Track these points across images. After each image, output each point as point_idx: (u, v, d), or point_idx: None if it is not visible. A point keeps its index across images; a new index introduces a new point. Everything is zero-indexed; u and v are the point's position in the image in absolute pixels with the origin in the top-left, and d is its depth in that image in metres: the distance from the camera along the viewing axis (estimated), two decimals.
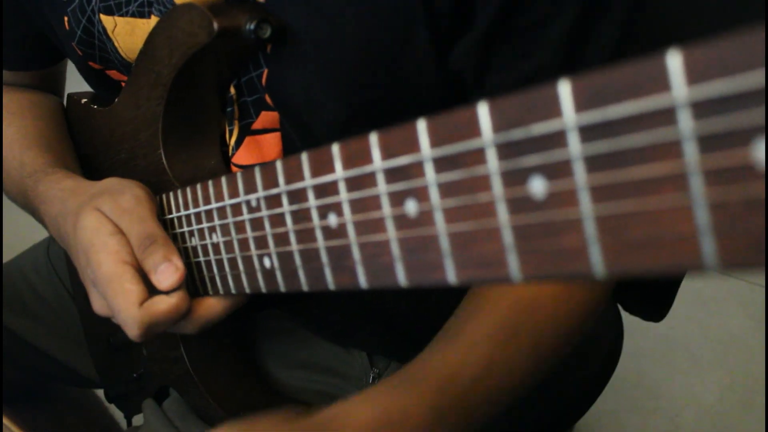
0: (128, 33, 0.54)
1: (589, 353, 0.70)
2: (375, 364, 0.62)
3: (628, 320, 0.74)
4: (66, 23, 0.56)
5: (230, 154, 0.54)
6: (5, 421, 0.69)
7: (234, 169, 0.54)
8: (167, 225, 0.48)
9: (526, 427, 0.66)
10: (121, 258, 0.44)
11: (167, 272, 0.43)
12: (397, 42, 0.46)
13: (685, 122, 0.18)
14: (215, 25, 0.43)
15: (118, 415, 0.77)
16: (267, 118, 0.51)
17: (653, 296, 0.78)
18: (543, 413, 0.67)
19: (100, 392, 0.85)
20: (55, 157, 0.61)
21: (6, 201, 0.64)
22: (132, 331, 0.44)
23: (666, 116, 0.18)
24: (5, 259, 0.83)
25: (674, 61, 0.18)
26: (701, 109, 0.18)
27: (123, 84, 0.59)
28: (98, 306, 0.49)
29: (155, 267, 0.44)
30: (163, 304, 0.44)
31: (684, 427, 1.27)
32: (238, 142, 0.53)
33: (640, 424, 1.29)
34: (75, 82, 0.73)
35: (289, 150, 0.52)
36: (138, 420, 0.69)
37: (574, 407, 0.70)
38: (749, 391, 1.30)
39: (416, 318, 0.60)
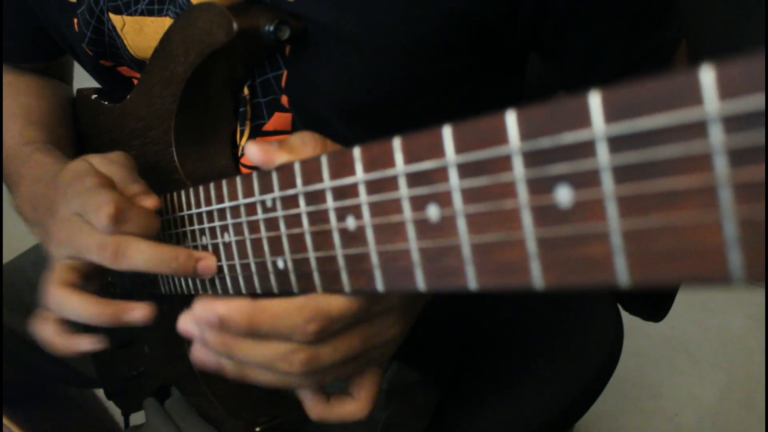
0: (137, 31, 0.54)
1: (588, 353, 0.70)
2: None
3: (628, 320, 0.74)
4: (75, 25, 0.56)
5: (239, 154, 0.54)
6: (5, 421, 0.69)
7: (243, 169, 0.54)
8: (177, 223, 0.48)
9: (525, 427, 0.66)
10: (105, 182, 0.46)
11: (148, 199, 0.46)
12: (435, 35, 0.46)
13: (716, 136, 0.18)
14: (235, 25, 0.43)
15: (118, 414, 0.77)
16: (279, 119, 0.52)
17: (653, 297, 0.78)
18: (543, 413, 0.67)
19: (100, 392, 0.85)
20: (55, 139, 0.62)
21: (6, 201, 0.64)
22: (106, 208, 0.43)
23: (697, 129, 0.19)
24: (5, 259, 0.83)
25: (707, 76, 0.18)
26: (733, 123, 0.18)
27: (134, 81, 0.59)
28: (61, 240, 0.47)
29: (136, 197, 0.46)
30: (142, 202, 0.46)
31: (684, 427, 1.28)
32: None
33: (640, 424, 1.30)
34: (82, 79, 0.73)
35: None
36: (136, 418, 0.69)
37: (573, 407, 0.70)
38: (749, 391, 1.30)
39: (420, 319, 0.60)
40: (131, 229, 0.44)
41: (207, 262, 0.44)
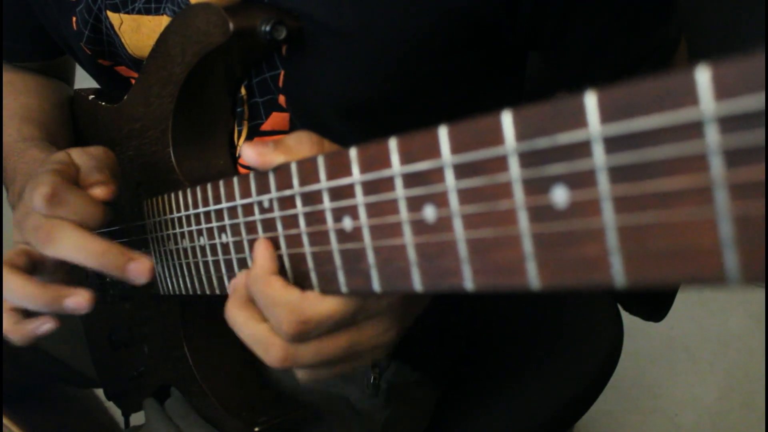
0: (134, 30, 0.54)
1: (588, 353, 0.70)
2: (376, 364, 0.62)
3: (628, 320, 0.74)
4: (74, 24, 0.56)
5: (237, 154, 0.54)
6: (5, 421, 0.69)
7: (241, 169, 0.54)
8: (174, 223, 0.48)
9: (525, 427, 0.66)
10: (61, 168, 0.45)
11: (99, 188, 0.45)
12: (434, 32, 0.46)
13: (712, 136, 0.18)
14: (231, 26, 0.43)
15: (118, 414, 0.78)
16: (277, 119, 0.52)
17: (653, 297, 0.78)
18: (543, 413, 0.67)
19: (100, 392, 0.85)
20: (52, 138, 0.62)
21: (6, 201, 0.64)
22: (42, 188, 0.42)
23: (693, 130, 0.19)
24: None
25: (703, 76, 0.18)
26: (728, 123, 0.18)
27: (132, 81, 0.59)
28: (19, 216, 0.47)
29: (92, 185, 0.45)
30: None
31: (684, 427, 1.28)
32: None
33: (640, 424, 1.30)
34: (82, 79, 0.73)
35: None
36: (136, 419, 0.69)
37: (573, 407, 0.70)
38: (749, 391, 1.30)
39: (419, 319, 0.60)
40: (67, 214, 0.42)
41: (140, 265, 0.42)
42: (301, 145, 0.36)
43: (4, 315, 0.46)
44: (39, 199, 0.42)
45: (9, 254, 0.45)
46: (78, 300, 0.43)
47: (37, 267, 0.46)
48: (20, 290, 0.43)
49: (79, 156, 0.47)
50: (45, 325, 0.46)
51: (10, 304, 0.46)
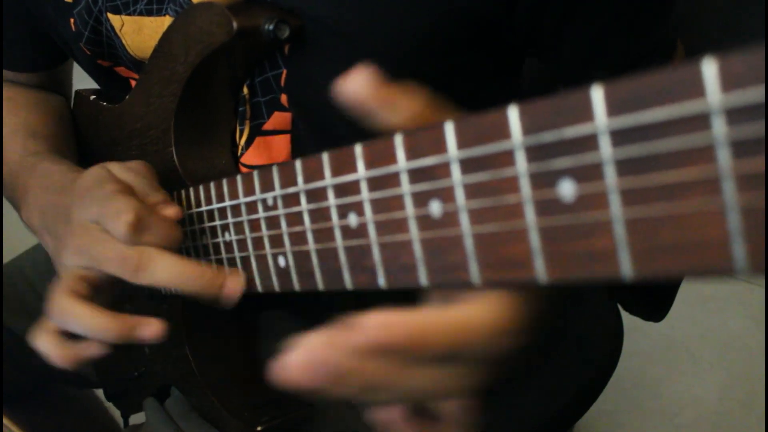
0: (135, 31, 0.54)
1: (589, 353, 0.70)
2: None
3: (628, 320, 0.74)
4: (72, 25, 0.56)
5: (239, 153, 0.54)
6: (5, 421, 0.69)
7: (242, 168, 0.54)
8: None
9: (525, 427, 0.66)
10: (124, 189, 0.44)
11: (169, 208, 0.44)
12: (434, 32, 0.46)
13: (719, 128, 0.18)
14: (234, 25, 0.43)
15: (118, 414, 0.77)
16: (279, 119, 0.52)
17: (653, 296, 0.78)
18: (543, 413, 0.67)
19: (100, 392, 0.85)
20: (58, 151, 0.61)
21: (6, 203, 0.64)
22: (125, 215, 0.41)
23: (699, 122, 0.19)
24: (5, 260, 0.82)
25: (710, 69, 0.18)
26: (735, 115, 0.18)
27: (132, 81, 0.59)
28: (73, 252, 0.45)
29: (157, 205, 0.44)
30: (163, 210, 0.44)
31: (684, 427, 1.28)
32: (248, 143, 0.53)
33: (640, 424, 1.30)
34: (80, 80, 0.73)
35: (298, 152, 0.53)
36: (135, 419, 0.69)
37: (573, 407, 0.70)
38: (749, 391, 1.30)
39: None
40: (152, 240, 0.41)
41: (235, 280, 0.41)
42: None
43: (48, 338, 0.45)
44: (124, 227, 0.40)
45: (68, 282, 0.44)
46: (152, 329, 0.42)
47: (96, 293, 0.45)
48: (89, 320, 0.42)
49: (123, 172, 0.46)
50: (92, 348, 0.44)
51: (56, 327, 0.45)
